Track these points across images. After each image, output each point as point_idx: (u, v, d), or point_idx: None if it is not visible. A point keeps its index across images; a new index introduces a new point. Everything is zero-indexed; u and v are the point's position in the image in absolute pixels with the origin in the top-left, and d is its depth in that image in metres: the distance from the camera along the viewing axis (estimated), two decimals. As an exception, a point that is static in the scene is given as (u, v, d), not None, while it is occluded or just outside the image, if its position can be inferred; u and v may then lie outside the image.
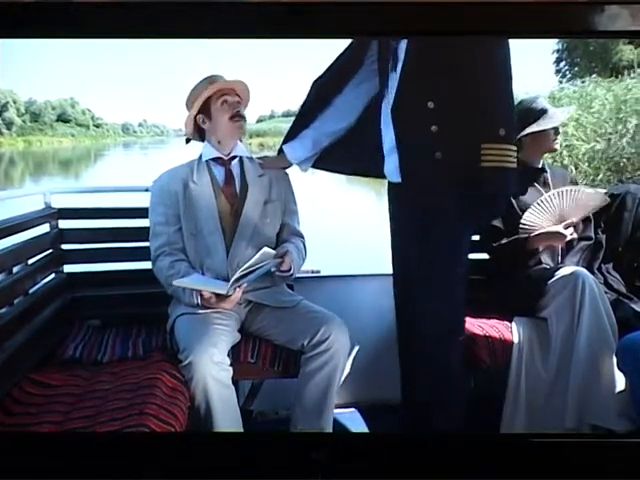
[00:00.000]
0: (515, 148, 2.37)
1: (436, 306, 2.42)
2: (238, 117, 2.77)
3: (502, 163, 2.33)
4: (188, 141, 2.88)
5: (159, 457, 1.94)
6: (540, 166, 3.04)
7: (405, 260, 2.52)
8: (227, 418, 2.44)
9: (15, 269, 2.58)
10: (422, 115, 2.31)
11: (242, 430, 2.51)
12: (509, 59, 2.34)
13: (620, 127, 11.30)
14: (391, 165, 2.47)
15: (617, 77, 14.73)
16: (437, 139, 2.31)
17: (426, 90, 2.32)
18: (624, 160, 10.91)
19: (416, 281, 2.46)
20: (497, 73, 2.34)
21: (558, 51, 27.75)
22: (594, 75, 15.41)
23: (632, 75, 14.53)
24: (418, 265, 2.44)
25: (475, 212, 2.43)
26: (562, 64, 27.04)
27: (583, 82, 15.52)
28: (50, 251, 2.95)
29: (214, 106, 2.77)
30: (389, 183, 2.55)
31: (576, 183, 3.11)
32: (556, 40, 24.82)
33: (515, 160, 2.37)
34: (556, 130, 3.01)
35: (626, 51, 21.15)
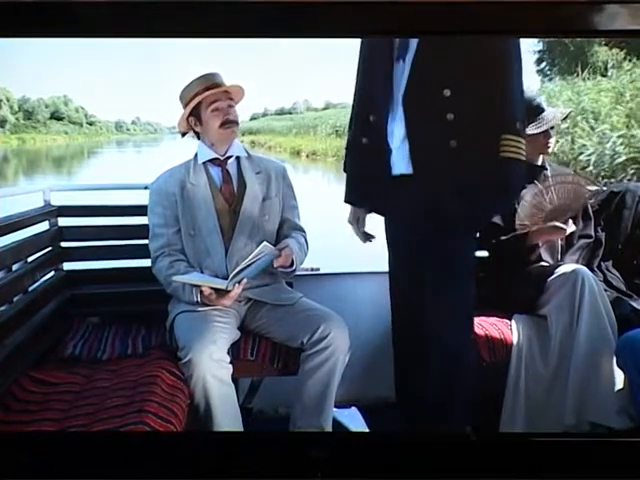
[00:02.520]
0: (524, 141, 2.35)
1: (450, 304, 2.40)
2: (229, 124, 2.74)
3: (519, 155, 2.31)
4: (184, 135, 2.86)
5: (157, 456, 1.94)
6: (540, 163, 3.03)
7: (412, 255, 2.45)
8: (227, 416, 2.44)
9: (15, 267, 2.59)
10: (437, 103, 2.28)
11: (242, 428, 2.51)
12: (520, 55, 2.33)
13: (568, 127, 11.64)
14: (400, 155, 2.40)
15: (584, 78, 15.04)
16: (453, 127, 2.28)
17: (442, 78, 2.28)
18: (568, 157, 11.21)
19: (425, 276, 2.40)
20: (514, 66, 2.31)
21: (539, 51, 28.03)
22: (574, 75, 15.58)
23: (586, 77, 14.92)
24: (430, 260, 2.38)
25: (489, 203, 2.40)
26: (543, 64, 27.22)
27: (552, 82, 15.80)
28: (50, 249, 2.94)
29: (204, 113, 2.74)
30: (391, 177, 2.45)
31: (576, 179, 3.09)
32: (536, 40, 25.07)
33: (524, 153, 2.36)
34: (547, 134, 2.98)
35: (601, 52, 21.34)
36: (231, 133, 2.76)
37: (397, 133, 2.40)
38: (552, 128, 2.98)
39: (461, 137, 2.28)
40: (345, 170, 2.70)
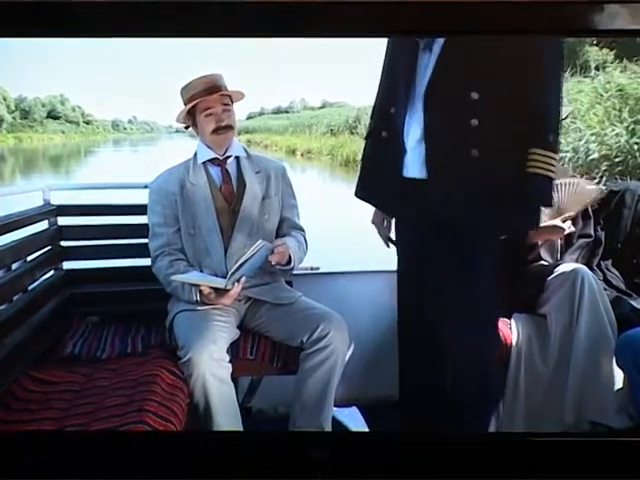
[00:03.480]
0: (557, 156, 2.15)
1: (466, 314, 2.27)
2: (221, 129, 2.73)
3: (547, 172, 2.11)
4: (187, 127, 2.86)
5: (157, 455, 1.93)
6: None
7: (418, 259, 2.35)
8: (226, 415, 2.45)
9: (14, 266, 2.58)
10: (462, 105, 2.09)
11: (241, 427, 2.51)
12: (562, 64, 2.17)
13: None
14: (415, 157, 2.22)
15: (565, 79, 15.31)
16: (476, 135, 2.08)
17: (471, 78, 2.08)
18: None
19: (434, 280, 2.30)
20: (552, 73, 2.13)
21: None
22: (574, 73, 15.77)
23: (567, 78, 15.24)
24: (439, 266, 2.27)
25: (510, 221, 2.20)
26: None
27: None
28: (49, 248, 2.93)
29: (199, 116, 2.74)
30: (403, 178, 2.28)
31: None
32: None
33: (555, 169, 2.15)
34: None
35: (592, 52, 21.53)
36: (224, 139, 2.75)
37: (413, 133, 2.22)
38: None
39: (484, 146, 2.09)
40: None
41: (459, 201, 2.14)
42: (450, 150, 2.14)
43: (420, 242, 2.33)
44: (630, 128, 11.13)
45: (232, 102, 2.76)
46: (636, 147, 10.80)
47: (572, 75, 14.80)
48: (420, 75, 2.18)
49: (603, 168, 10.53)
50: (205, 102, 2.70)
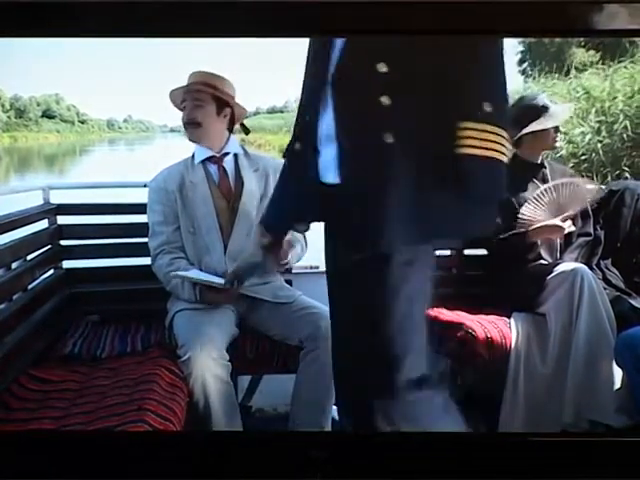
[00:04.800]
0: (506, 134, 1.57)
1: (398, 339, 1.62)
2: (188, 124, 2.76)
3: (487, 151, 1.54)
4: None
5: (155, 455, 1.93)
6: (539, 162, 3.03)
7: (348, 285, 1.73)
8: (226, 414, 2.44)
9: (14, 265, 2.58)
10: (369, 81, 1.57)
11: (241, 426, 2.51)
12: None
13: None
14: (327, 159, 1.67)
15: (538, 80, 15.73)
16: (389, 115, 1.55)
17: (377, 49, 1.55)
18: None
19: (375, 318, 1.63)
20: None
21: (522, 52, 28.43)
22: (554, 75, 16.06)
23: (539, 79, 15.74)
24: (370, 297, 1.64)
25: (444, 221, 1.59)
26: (525, 64, 27.54)
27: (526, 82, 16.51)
28: (49, 247, 2.94)
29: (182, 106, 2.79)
30: (323, 187, 1.68)
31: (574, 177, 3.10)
32: (518, 40, 25.55)
33: (506, 151, 1.59)
34: (557, 128, 3.00)
35: (578, 53, 21.65)
36: (190, 134, 2.78)
37: (326, 130, 1.68)
38: None
39: (400, 128, 1.54)
40: None
41: (376, 205, 1.58)
42: (361, 141, 1.62)
43: (339, 267, 1.78)
44: (596, 128, 11.70)
45: (226, 104, 2.79)
46: (600, 145, 11.36)
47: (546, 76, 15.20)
48: (328, 64, 1.65)
49: (570, 165, 10.91)
50: (184, 94, 2.76)
